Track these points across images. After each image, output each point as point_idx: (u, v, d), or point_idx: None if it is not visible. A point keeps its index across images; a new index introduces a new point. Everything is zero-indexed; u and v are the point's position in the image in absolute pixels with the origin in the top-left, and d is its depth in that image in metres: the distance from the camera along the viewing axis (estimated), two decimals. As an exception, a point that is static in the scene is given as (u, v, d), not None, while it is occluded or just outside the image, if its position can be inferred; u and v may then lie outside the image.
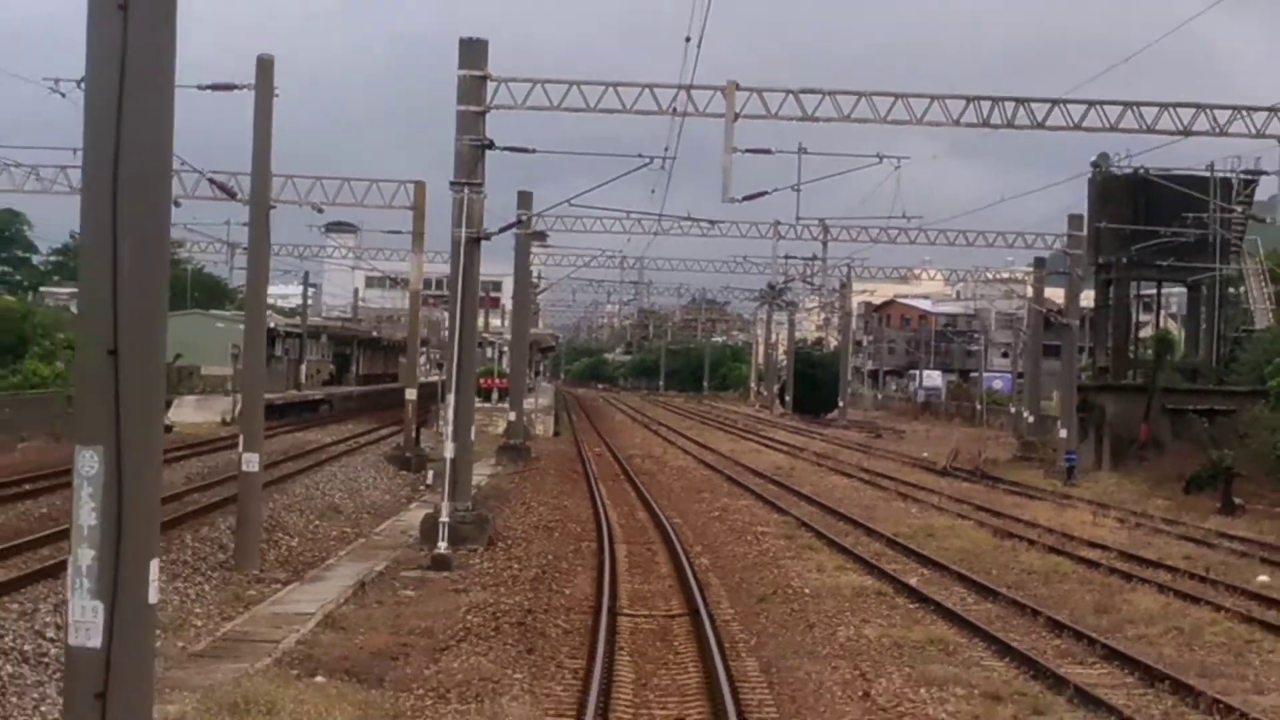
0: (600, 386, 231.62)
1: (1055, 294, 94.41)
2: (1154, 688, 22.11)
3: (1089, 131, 38.72)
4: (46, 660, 21.48)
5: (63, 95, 42.07)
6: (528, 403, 79.96)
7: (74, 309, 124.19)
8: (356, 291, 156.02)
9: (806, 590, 30.93)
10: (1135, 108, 39.19)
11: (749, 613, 27.98)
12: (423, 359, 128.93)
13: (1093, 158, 78.65)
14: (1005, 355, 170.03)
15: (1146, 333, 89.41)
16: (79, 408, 12.79)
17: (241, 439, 33.78)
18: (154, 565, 13.06)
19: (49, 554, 31.03)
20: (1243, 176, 76.54)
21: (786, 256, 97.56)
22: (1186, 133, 38.95)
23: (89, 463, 12.47)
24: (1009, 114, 38.78)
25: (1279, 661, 24.57)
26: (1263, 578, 35.06)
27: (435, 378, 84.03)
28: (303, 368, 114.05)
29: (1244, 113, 39.68)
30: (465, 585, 30.66)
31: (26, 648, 21.93)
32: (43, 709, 19.03)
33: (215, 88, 36.89)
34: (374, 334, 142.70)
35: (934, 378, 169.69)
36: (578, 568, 33.50)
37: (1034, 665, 23.24)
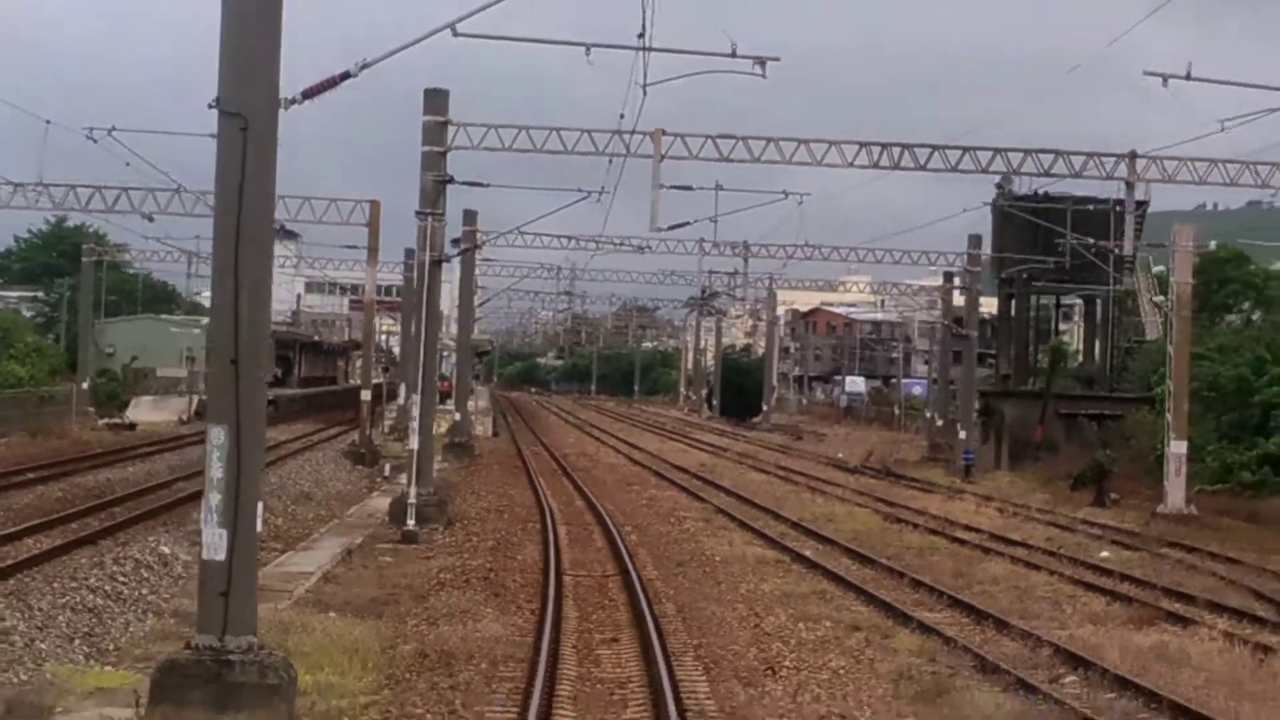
0: (533, 390, 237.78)
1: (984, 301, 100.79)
2: (980, 624, 28.73)
3: (964, 173, 45.51)
4: (122, 596, 27.78)
5: (95, 141, 48.28)
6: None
7: (24, 311, 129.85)
8: (299, 297, 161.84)
9: (717, 558, 37.54)
10: (1004, 153, 46.02)
11: (669, 574, 34.50)
12: (359, 363, 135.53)
13: (997, 179, 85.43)
14: (927, 362, 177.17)
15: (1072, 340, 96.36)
16: (212, 398, 19.44)
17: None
18: (259, 506, 19.73)
19: (78, 528, 37.17)
20: (1136, 201, 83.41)
21: (710, 272, 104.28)
22: (1047, 174, 45.79)
23: (217, 436, 19.11)
24: (896, 158, 45.59)
25: (1087, 608, 31.22)
26: (1104, 553, 41.86)
27: (376, 380, 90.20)
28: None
29: (1096, 159, 46.51)
30: (433, 554, 37.03)
31: (106, 588, 28.22)
32: (131, 628, 25.27)
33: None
34: (315, 338, 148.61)
35: (857, 383, 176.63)
36: (526, 542, 39.93)
37: (891, 609, 29.86)
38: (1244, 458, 63.80)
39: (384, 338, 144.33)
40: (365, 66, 24.56)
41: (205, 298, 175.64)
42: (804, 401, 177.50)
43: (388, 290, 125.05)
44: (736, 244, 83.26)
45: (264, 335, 19.92)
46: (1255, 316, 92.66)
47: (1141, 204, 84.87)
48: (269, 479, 54.09)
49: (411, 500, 41.01)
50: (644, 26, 29.07)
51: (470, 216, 73.20)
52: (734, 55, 34.28)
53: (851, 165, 45.16)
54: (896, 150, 45.60)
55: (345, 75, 23.74)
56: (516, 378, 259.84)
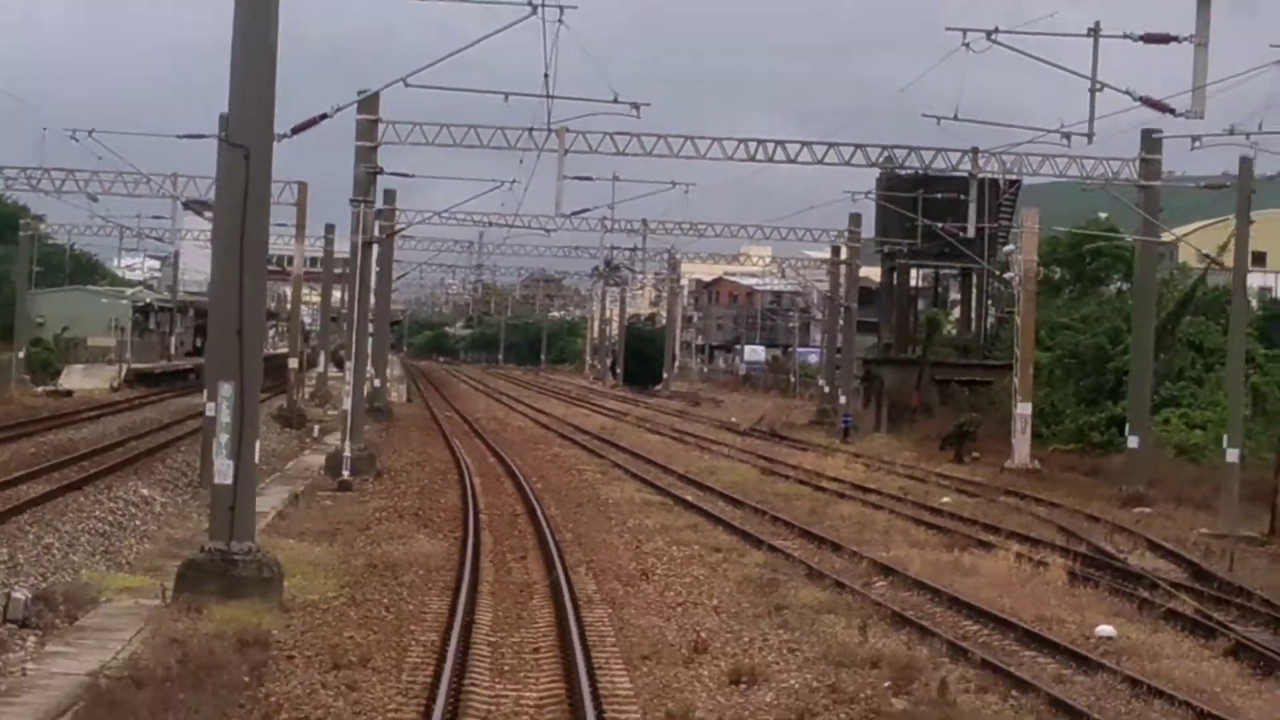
0: (442, 359, 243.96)
1: (873, 272, 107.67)
2: (820, 548, 35.75)
3: (829, 166, 52.64)
4: (123, 526, 34.39)
5: (76, 140, 54.91)
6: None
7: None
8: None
9: (610, 501, 44.51)
10: (864, 148, 53.18)
11: (569, 513, 41.36)
12: (272, 333, 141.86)
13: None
14: (825, 332, 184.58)
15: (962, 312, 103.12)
16: (221, 361, 26.13)
17: (206, 392, 46.54)
18: (257, 444, 26.49)
19: (60, 478, 43.56)
20: (1007, 178, 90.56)
21: (613, 247, 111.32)
22: (901, 167, 52.93)
23: (225, 390, 25.74)
24: (770, 152, 52.64)
25: (911, 538, 38.30)
26: (945, 499, 49.01)
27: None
28: (173, 340, 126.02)
29: (944, 153, 53.69)
30: (367, 499, 43.69)
31: (109, 520, 34.84)
32: (136, 549, 31.83)
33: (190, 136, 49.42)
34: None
35: (758, 352, 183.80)
36: (446, 489, 46.68)
37: (749, 536, 36.86)
38: (1095, 419, 71.13)
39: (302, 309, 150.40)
40: (339, 110, 31.09)
41: (134, 270, 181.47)
42: (705, 370, 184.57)
43: (311, 261, 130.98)
44: (637, 222, 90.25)
45: (261, 314, 26.76)
46: (1125, 288, 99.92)
47: (1014, 183, 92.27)
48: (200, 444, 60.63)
49: (346, 454, 47.62)
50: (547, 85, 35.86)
51: (390, 196, 79.71)
52: (615, 100, 41.59)
53: (730, 159, 52.20)
54: (771, 145, 52.74)
55: (324, 116, 30.27)
56: (426, 347, 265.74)
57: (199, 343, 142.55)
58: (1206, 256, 63.92)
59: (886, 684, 21.16)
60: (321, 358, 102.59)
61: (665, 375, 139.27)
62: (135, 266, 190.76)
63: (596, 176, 55.52)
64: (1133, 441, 53.06)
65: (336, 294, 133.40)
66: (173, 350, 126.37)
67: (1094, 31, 36.95)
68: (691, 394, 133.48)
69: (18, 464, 47.00)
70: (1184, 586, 31.76)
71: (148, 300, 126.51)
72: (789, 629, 25.30)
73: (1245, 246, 46.54)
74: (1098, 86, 37.23)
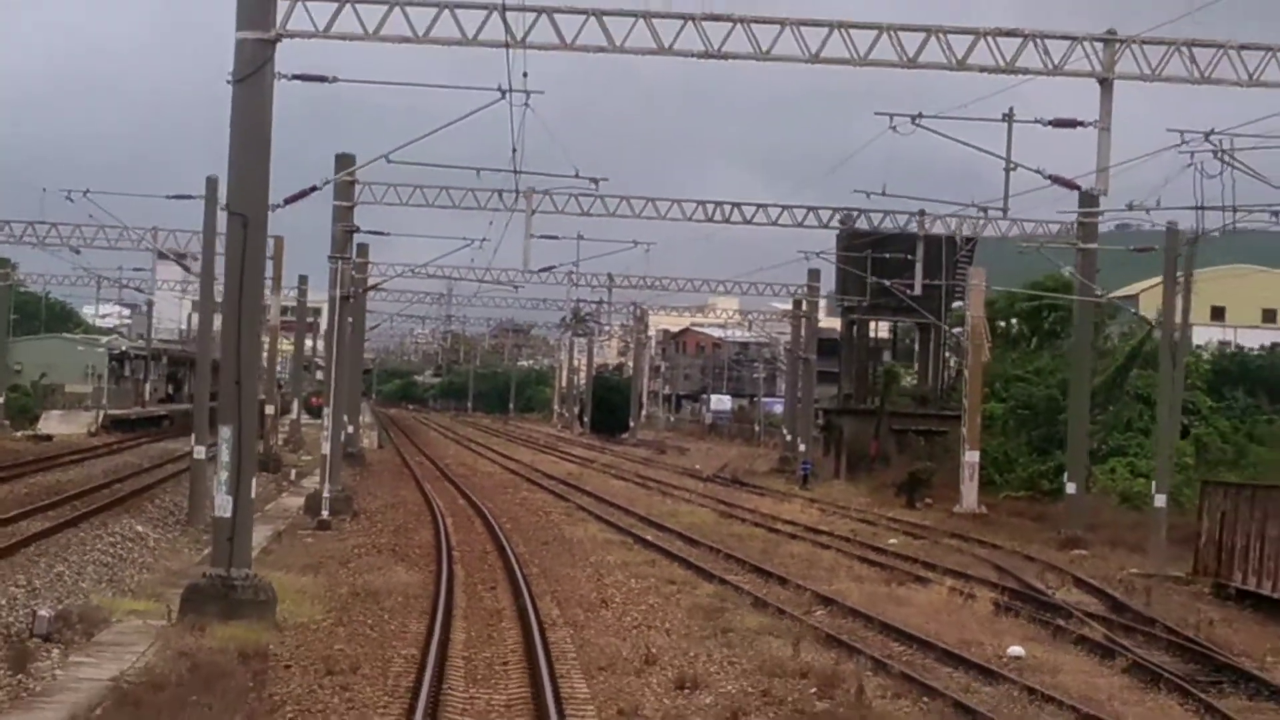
0: (411, 407, 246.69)
1: (838, 324, 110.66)
2: (767, 581, 38.81)
3: (783, 227, 56.08)
4: (122, 558, 37.34)
5: (71, 201, 58.28)
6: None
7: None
8: (190, 317, 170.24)
9: (575, 540, 47.56)
10: (816, 210, 56.66)
11: (535, 549, 44.41)
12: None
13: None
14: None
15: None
16: (222, 406, 29.18)
17: (194, 435, 49.54)
18: (254, 480, 29.53)
19: (55, 515, 46.43)
20: (964, 237, 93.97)
21: (579, 301, 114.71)
22: (854, 229, 56.22)
23: (226, 432, 28.76)
24: (727, 213, 56.03)
25: (855, 574, 41.40)
26: (893, 540, 52.16)
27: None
28: (147, 387, 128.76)
29: (892, 215, 57.09)
30: (346, 536, 46.67)
31: (110, 553, 37.80)
32: (137, 578, 34.80)
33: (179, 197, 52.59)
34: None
35: (724, 401, 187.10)
36: (420, 528, 49.68)
37: (702, 571, 39.95)
38: (1045, 467, 74.33)
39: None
40: (327, 182, 34.29)
41: (106, 318, 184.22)
42: (672, 419, 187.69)
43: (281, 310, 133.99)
44: (603, 275, 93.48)
45: (256, 365, 29.86)
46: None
47: (970, 240, 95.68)
48: (182, 488, 63.49)
49: (326, 495, 50.61)
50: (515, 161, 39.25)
51: (363, 250, 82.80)
52: (576, 175, 45.29)
53: (689, 219, 55.53)
54: (727, 207, 56.12)
55: (314, 188, 33.50)
56: (395, 395, 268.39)
57: (171, 389, 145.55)
58: (1146, 320, 67.18)
59: (812, 690, 24.26)
60: (295, 405, 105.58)
61: (632, 424, 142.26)
62: (108, 315, 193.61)
63: (562, 235, 58.85)
64: (1070, 488, 56.25)
65: (308, 342, 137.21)
66: (146, 397, 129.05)
67: (1008, 116, 40.60)
68: (657, 442, 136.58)
69: (14, 503, 49.87)
70: (1098, 617, 34.86)
71: (123, 348, 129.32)
72: (731, 647, 28.39)
73: (1171, 308, 50.06)
74: (1012, 165, 40.62)
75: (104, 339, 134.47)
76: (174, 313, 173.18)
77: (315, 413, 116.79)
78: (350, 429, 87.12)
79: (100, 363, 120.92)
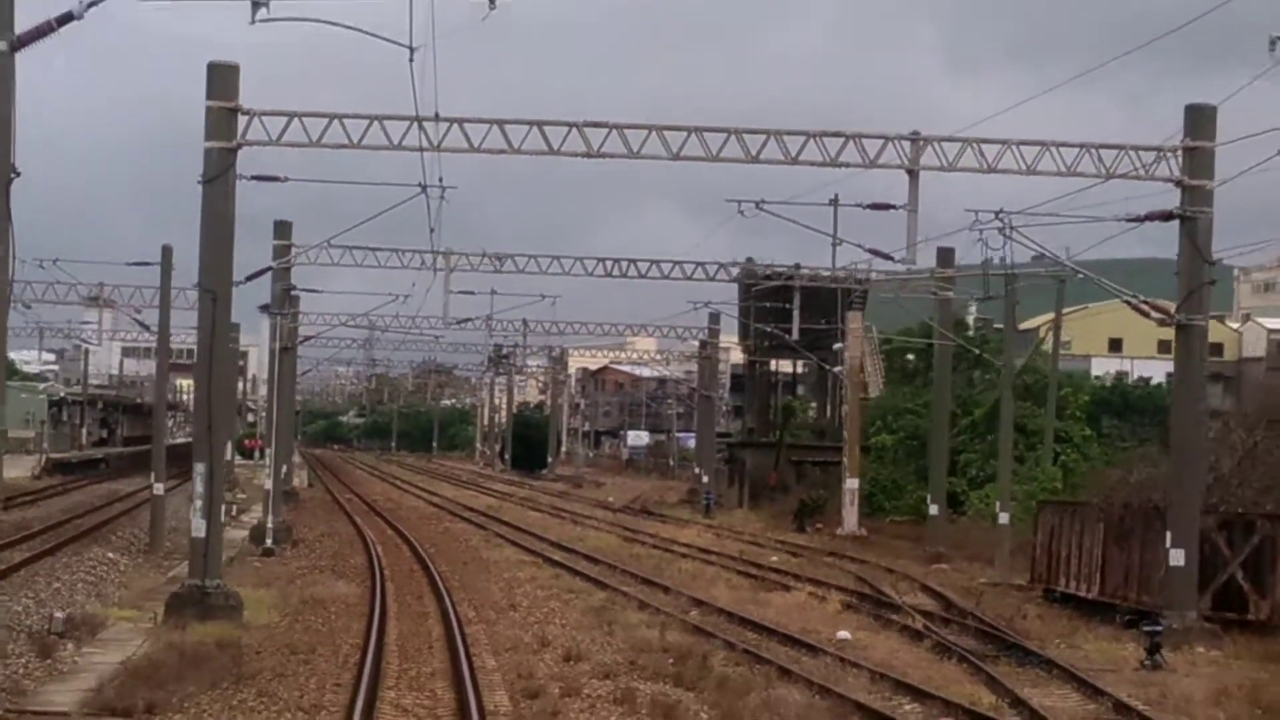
0: (336, 447, 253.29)
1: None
2: (653, 590, 45.92)
3: (674, 280, 63.46)
4: (102, 579, 44.14)
5: (43, 268, 64.70)
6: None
7: None
8: (122, 363, 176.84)
9: (491, 561, 54.67)
10: (704, 265, 64.04)
11: (456, 568, 51.44)
12: (171, 421, 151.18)
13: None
14: (733, 415, 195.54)
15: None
16: (197, 448, 36.28)
17: (154, 474, 56.33)
18: (222, 508, 36.72)
19: (28, 548, 53.09)
20: (856, 285, 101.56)
21: (497, 345, 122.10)
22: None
23: (200, 468, 35.88)
24: (624, 269, 63.32)
25: (731, 584, 48.55)
26: (774, 558, 59.36)
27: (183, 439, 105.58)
28: (84, 431, 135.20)
29: (771, 267, 64.44)
30: (289, 561, 53.53)
31: (90, 575, 44.59)
32: (118, 594, 41.59)
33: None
34: (138, 400, 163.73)
35: (642, 437, 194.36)
36: (354, 554, 56.62)
37: (598, 582, 47.11)
38: (926, 493, 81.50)
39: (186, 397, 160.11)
40: (282, 264, 41.47)
41: (29, 364, 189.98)
42: (591, 454, 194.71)
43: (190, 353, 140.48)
44: (519, 322, 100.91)
45: (230, 411, 36.87)
46: (975, 374, 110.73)
47: (864, 282, 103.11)
48: (142, 518, 70.29)
49: (270, 525, 57.44)
50: (433, 241, 46.20)
51: (294, 301, 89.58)
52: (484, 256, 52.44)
53: (590, 275, 62.96)
54: (625, 263, 63.59)
55: (269, 268, 40.55)
56: (320, 435, 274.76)
57: (105, 434, 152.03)
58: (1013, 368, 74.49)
59: (670, 660, 31.37)
60: (229, 447, 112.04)
61: (550, 459, 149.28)
62: (29, 360, 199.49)
63: (478, 291, 66.31)
64: (933, 510, 63.71)
65: (240, 385, 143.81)
66: (84, 440, 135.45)
67: (834, 202, 48.50)
68: (576, 477, 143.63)
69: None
70: (928, 613, 42.04)
71: (61, 394, 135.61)
72: (611, 635, 35.52)
73: (1010, 350, 57.83)
74: (838, 241, 48.49)
75: (40, 385, 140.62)
76: (103, 358, 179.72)
77: (246, 454, 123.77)
78: (284, 468, 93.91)
79: (38, 408, 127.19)
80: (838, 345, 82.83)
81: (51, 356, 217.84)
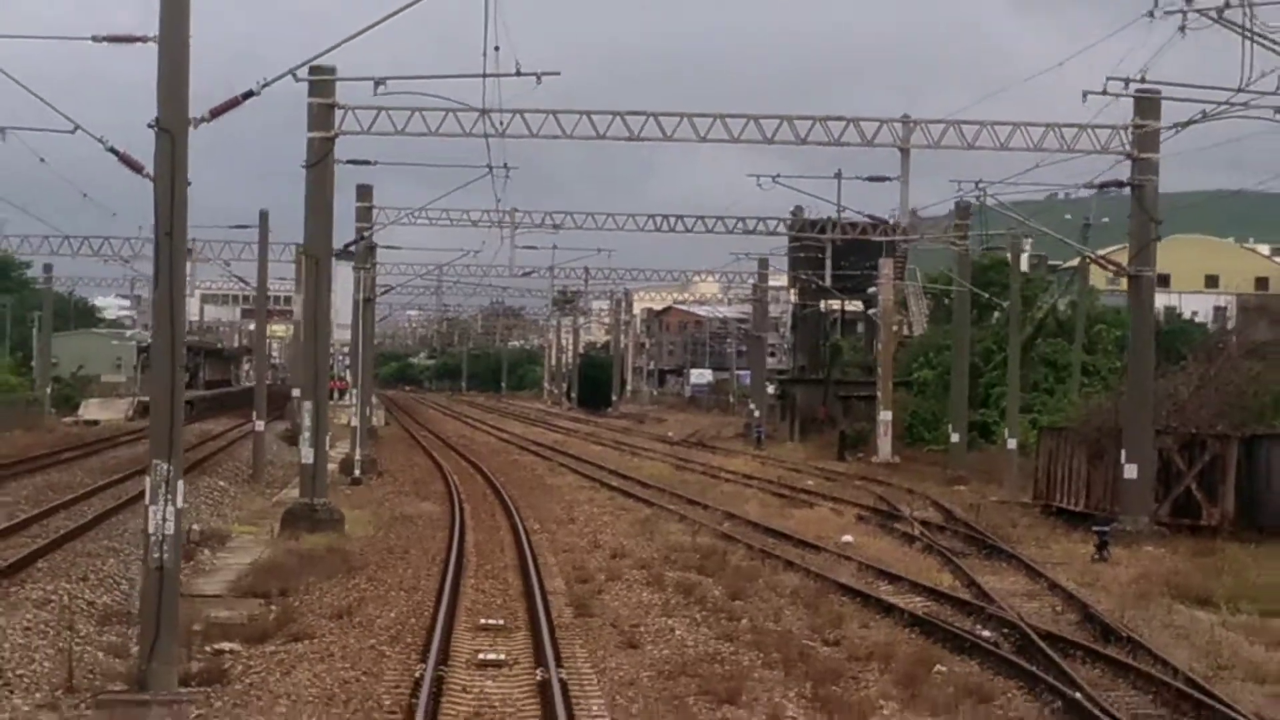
0: (408, 388, 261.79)
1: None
2: (693, 506, 53.35)
3: (718, 235, 70.79)
4: (219, 501, 51.93)
5: (115, 216, 72.32)
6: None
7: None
8: (203, 310, 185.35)
9: (554, 486, 62.43)
10: (743, 220, 71.38)
11: (523, 492, 59.07)
12: (248, 365, 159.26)
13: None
14: (773, 354, 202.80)
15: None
16: (304, 389, 43.89)
17: (255, 412, 64.15)
18: (327, 437, 44.41)
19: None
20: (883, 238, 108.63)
21: (562, 290, 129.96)
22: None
23: (308, 406, 43.58)
24: (671, 224, 70.72)
25: (763, 502, 55.99)
26: (809, 482, 66.73)
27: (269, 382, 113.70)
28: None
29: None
30: (375, 488, 61.21)
31: (210, 498, 52.39)
32: (235, 513, 49.31)
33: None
34: (219, 345, 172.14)
35: (704, 375, 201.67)
36: (433, 481, 64.31)
37: (646, 501, 54.64)
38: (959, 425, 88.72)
39: (271, 342, 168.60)
40: (361, 237, 49.14)
41: (107, 310, 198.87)
42: (655, 393, 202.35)
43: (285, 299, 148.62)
44: (580, 269, 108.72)
45: (326, 359, 44.53)
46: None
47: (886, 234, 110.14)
48: (243, 452, 78.32)
49: (357, 458, 65.14)
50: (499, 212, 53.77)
51: (371, 252, 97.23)
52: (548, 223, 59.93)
53: (641, 230, 70.40)
54: (673, 219, 71.15)
55: (361, 238, 48.23)
56: (392, 377, 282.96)
57: (188, 378, 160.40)
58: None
59: (697, 556, 38.85)
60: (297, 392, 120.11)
61: (614, 398, 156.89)
62: (106, 305, 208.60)
63: (540, 246, 74.21)
64: (954, 438, 71.03)
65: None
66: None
67: (838, 175, 55.96)
68: (639, 414, 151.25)
69: (116, 469, 64.60)
70: (926, 523, 49.34)
71: (149, 341, 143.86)
72: (652, 539, 43.12)
73: (1017, 295, 64.78)
74: (842, 209, 55.81)
75: (127, 333, 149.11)
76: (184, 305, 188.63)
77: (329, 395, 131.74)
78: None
79: (126, 354, 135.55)
80: (871, 289, 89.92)
81: (127, 302, 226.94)
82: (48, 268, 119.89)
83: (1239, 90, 36.10)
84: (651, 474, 69.53)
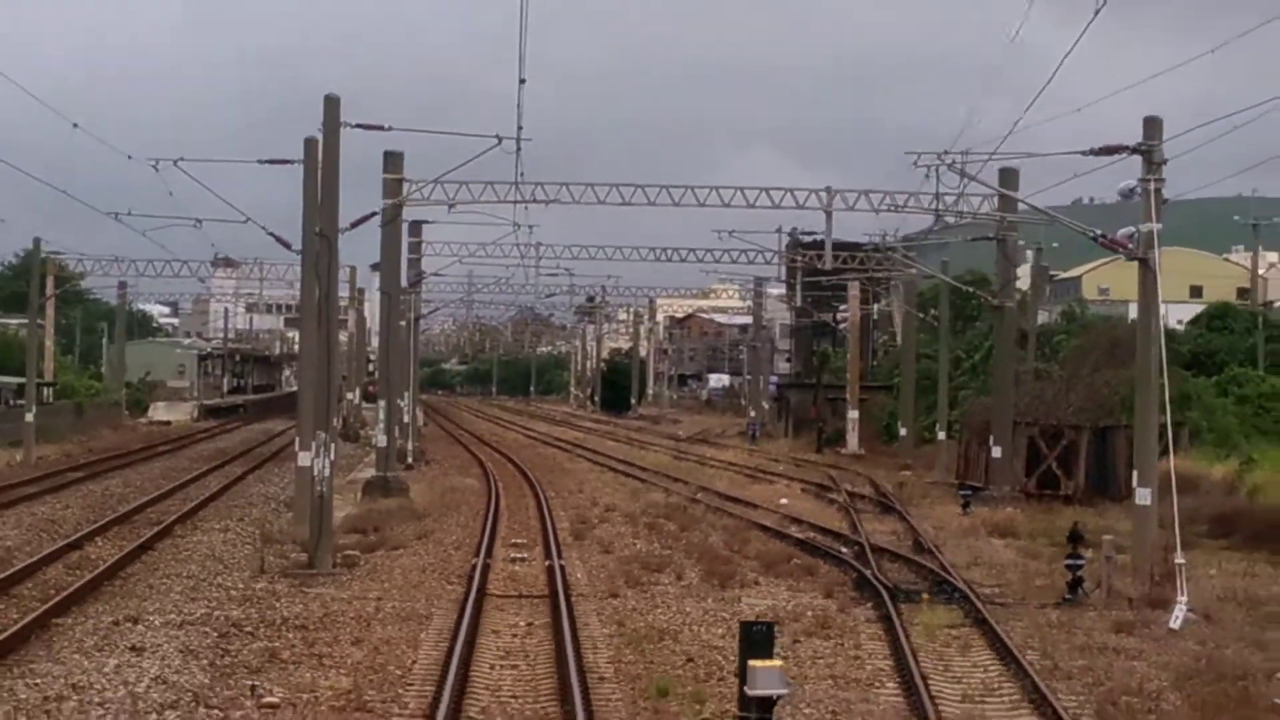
0: (440, 393, 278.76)
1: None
2: (676, 483, 69.92)
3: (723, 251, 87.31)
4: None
5: (157, 170, 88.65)
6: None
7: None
8: (251, 320, 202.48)
9: (571, 470, 79.37)
10: (740, 235, 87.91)
11: (546, 474, 75.79)
12: (288, 373, 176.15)
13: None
14: (788, 360, 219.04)
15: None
16: (380, 390, 60.99)
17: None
18: (396, 427, 61.63)
19: (233, 468, 77.68)
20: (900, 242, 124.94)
21: (588, 297, 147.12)
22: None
23: (382, 403, 60.54)
24: (669, 255, 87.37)
25: (733, 480, 72.64)
26: (779, 467, 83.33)
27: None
28: (225, 381, 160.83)
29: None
30: (425, 472, 77.89)
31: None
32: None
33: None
34: (266, 353, 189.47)
35: (722, 379, 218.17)
36: (473, 467, 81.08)
37: (642, 480, 71.36)
38: (929, 422, 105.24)
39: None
40: (418, 278, 65.99)
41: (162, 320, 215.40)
42: (675, 397, 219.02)
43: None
44: (598, 286, 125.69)
45: (401, 366, 61.49)
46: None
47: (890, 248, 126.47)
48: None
49: (410, 448, 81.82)
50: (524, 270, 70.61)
51: (415, 263, 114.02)
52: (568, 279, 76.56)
53: (641, 260, 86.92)
54: (670, 250, 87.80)
55: (430, 273, 64.99)
56: (425, 382, 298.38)
57: (239, 383, 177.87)
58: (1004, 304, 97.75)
59: (666, 509, 55.53)
60: (357, 392, 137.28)
61: (634, 401, 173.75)
62: (150, 310, 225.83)
63: (560, 270, 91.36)
64: (903, 432, 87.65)
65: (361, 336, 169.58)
66: (223, 389, 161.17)
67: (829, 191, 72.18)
68: (656, 416, 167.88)
69: (205, 460, 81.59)
70: (852, 493, 65.64)
71: (208, 350, 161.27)
72: (637, 500, 59.92)
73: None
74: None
75: (185, 341, 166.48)
76: (217, 312, 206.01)
77: (370, 399, 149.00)
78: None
79: (190, 362, 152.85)
80: (843, 307, 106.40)
81: (167, 310, 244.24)
82: (122, 285, 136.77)
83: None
84: (653, 462, 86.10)
